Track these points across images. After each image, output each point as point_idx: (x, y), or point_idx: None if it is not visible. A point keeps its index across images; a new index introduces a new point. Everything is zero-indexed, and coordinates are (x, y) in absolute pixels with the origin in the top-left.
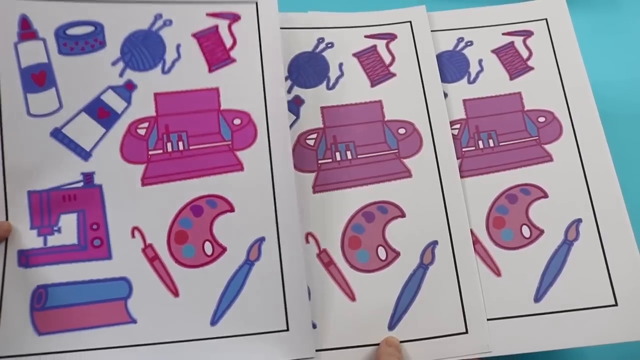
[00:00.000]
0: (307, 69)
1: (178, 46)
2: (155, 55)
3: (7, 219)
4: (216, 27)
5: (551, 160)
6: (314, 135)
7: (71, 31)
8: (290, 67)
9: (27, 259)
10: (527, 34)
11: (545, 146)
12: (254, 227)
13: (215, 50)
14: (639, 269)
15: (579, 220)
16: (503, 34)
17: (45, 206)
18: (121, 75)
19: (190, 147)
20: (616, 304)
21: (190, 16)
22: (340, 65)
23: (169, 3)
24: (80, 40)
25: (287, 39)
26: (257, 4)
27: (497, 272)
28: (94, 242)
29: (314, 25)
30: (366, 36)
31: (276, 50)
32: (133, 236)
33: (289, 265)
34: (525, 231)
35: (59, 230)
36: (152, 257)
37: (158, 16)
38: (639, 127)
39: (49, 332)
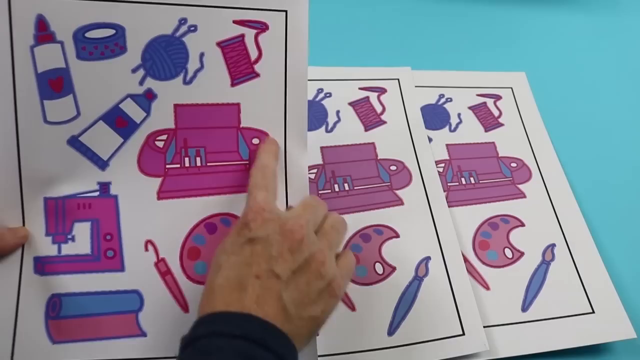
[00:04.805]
0: (309, 115)
1: (201, 55)
2: (177, 63)
3: (23, 224)
4: (242, 36)
5: (524, 197)
6: (315, 170)
7: (90, 34)
8: None
9: (42, 266)
10: (497, 97)
11: (519, 185)
12: None
13: (239, 63)
14: (608, 281)
15: (554, 245)
16: (477, 95)
17: (60, 212)
18: (141, 83)
19: (208, 164)
20: (593, 312)
21: (216, 22)
22: (338, 112)
23: (195, 6)
24: (100, 45)
25: None
26: (286, 12)
27: (486, 287)
28: (107, 253)
29: (314, 78)
30: (360, 88)
31: (302, 66)
32: (146, 249)
33: None
34: (508, 253)
35: (72, 239)
36: (164, 272)
37: (182, 21)
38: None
39: (63, 341)
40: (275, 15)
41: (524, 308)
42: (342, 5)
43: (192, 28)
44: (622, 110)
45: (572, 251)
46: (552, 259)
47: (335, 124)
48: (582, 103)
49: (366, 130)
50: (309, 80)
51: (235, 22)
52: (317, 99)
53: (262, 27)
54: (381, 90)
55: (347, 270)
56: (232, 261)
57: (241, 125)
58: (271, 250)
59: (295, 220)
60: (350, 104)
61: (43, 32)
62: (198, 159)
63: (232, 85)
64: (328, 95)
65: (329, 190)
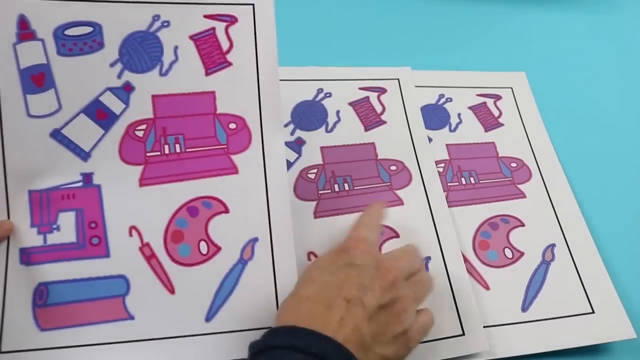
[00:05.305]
0: (309, 114)
1: (175, 48)
2: (152, 57)
3: (8, 217)
4: (213, 29)
5: (525, 197)
6: (315, 170)
7: (70, 32)
8: (292, 113)
9: (28, 257)
10: (497, 97)
11: (519, 185)
12: (248, 228)
13: (212, 54)
14: (608, 281)
15: (554, 245)
16: (477, 94)
17: (45, 204)
18: (119, 76)
19: (187, 150)
20: (593, 312)
21: (188, 18)
22: (338, 112)
23: (167, 4)
24: (79, 41)
25: (289, 89)
26: (253, 5)
27: (486, 287)
28: (92, 241)
29: (314, 78)
30: (360, 88)
31: (272, 53)
32: (130, 235)
33: (281, 265)
34: (508, 253)
35: (58, 229)
36: (149, 256)
37: (156, 17)
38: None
39: (51, 328)
40: (243, 9)
41: (524, 308)
42: (342, 5)
43: (166, 23)
44: (622, 110)
45: (572, 251)
46: (552, 259)
47: (335, 124)
48: (582, 103)
49: (366, 130)
50: (308, 80)
51: (205, 16)
52: (317, 99)
53: (231, 19)
54: (381, 90)
55: (423, 326)
56: (325, 278)
57: (217, 112)
58: (365, 279)
59: (392, 262)
60: (350, 104)
61: (25, 31)
62: (177, 145)
63: (207, 74)
64: (328, 95)
65: (329, 190)
